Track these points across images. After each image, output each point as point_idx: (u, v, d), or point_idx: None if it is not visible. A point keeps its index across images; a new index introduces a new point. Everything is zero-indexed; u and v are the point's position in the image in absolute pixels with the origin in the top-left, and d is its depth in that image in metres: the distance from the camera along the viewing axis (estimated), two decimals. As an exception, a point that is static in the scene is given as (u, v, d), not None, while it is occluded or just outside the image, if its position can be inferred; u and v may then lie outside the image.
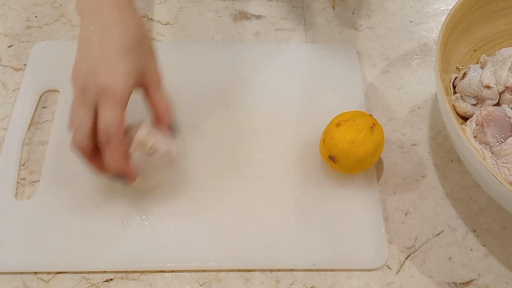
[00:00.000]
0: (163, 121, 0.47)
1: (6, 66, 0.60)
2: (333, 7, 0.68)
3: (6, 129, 0.54)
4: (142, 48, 0.45)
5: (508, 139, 0.49)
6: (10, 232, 0.48)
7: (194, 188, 0.52)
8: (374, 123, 0.50)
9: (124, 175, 0.45)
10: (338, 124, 0.49)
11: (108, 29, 0.43)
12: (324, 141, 0.50)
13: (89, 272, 0.47)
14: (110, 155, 0.43)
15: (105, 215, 0.49)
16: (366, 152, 0.49)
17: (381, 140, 0.50)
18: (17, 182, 0.51)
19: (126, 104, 0.43)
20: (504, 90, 0.53)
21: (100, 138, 0.42)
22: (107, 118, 0.42)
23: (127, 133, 0.46)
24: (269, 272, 0.48)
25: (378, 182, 0.53)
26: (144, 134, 0.45)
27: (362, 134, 0.48)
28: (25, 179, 0.52)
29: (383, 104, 0.59)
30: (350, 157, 0.49)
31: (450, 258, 0.50)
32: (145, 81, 0.45)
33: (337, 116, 0.51)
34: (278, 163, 0.54)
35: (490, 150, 0.50)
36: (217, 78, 0.59)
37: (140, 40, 0.45)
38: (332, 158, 0.50)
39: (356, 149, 0.48)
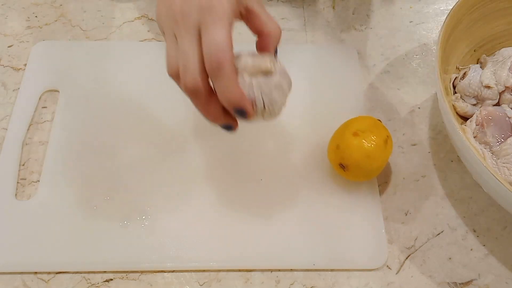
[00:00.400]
0: (273, 40, 0.41)
1: (6, 66, 0.60)
2: (333, 7, 0.68)
3: (6, 129, 0.54)
4: None
5: (508, 139, 0.49)
6: (10, 232, 0.48)
7: (194, 188, 0.52)
8: (387, 136, 0.49)
9: (244, 108, 0.38)
10: (355, 134, 0.48)
11: None
12: (337, 148, 0.49)
13: (89, 272, 0.47)
14: (225, 84, 0.36)
15: (105, 215, 0.49)
16: (378, 166, 0.49)
17: (390, 153, 0.50)
18: (17, 182, 0.51)
19: (233, 26, 0.37)
20: (504, 90, 0.53)
21: (210, 66, 0.36)
22: (215, 39, 0.35)
23: None
24: (269, 272, 0.48)
25: (378, 182, 0.53)
26: (253, 59, 0.39)
27: (377, 148, 0.48)
28: (25, 179, 0.52)
29: (383, 104, 0.59)
30: (362, 169, 0.49)
31: (450, 258, 0.50)
32: (247, 4, 0.40)
33: (353, 121, 0.50)
34: (278, 163, 0.54)
35: (490, 150, 0.50)
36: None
37: None
38: (342, 166, 0.49)
39: (370, 162, 0.48)
